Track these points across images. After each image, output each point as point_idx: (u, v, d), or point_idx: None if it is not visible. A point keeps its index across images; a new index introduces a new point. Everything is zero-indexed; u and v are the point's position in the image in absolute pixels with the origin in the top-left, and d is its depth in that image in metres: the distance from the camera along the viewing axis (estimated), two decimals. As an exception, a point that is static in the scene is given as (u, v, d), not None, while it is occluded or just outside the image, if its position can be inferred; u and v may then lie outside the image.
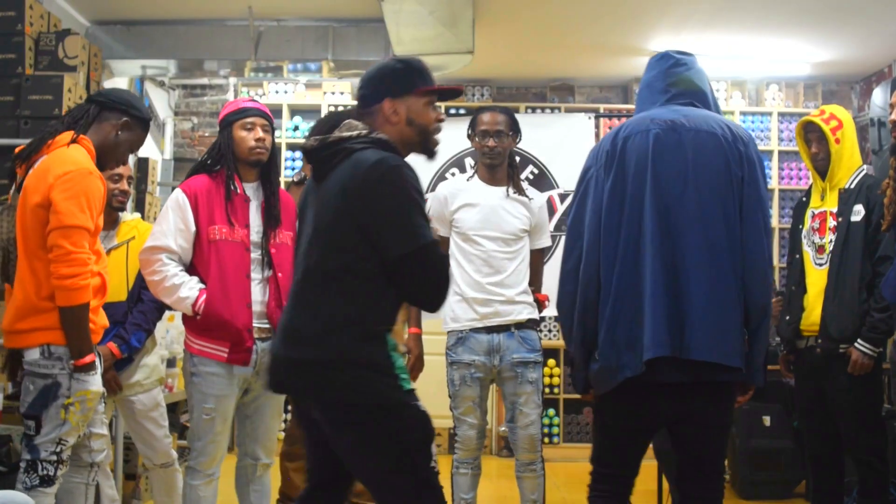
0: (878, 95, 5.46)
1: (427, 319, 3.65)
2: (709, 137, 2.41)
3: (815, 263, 3.57)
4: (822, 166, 3.58)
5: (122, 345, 3.41)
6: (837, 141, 3.51)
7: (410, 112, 2.31)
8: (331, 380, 2.18)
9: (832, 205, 3.55)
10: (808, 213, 3.66)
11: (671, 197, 2.38)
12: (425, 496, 2.20)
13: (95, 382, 2.74)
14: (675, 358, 2.32)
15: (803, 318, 3.57)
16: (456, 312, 3.47)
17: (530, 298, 3.55)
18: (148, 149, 6.07)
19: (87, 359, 2.67)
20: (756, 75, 6.93)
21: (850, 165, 3.53)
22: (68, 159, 2.69)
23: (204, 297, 2.97)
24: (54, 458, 2.68)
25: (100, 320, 2.84)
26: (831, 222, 3.53)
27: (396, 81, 2.31)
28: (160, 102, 6.95)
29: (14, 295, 2.76)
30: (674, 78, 2.53)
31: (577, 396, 3.39)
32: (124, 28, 5.77)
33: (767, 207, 2.48)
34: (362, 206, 2.17)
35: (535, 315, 3.56)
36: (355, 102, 2.44)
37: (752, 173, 2.42)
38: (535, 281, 3.62)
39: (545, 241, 3.69)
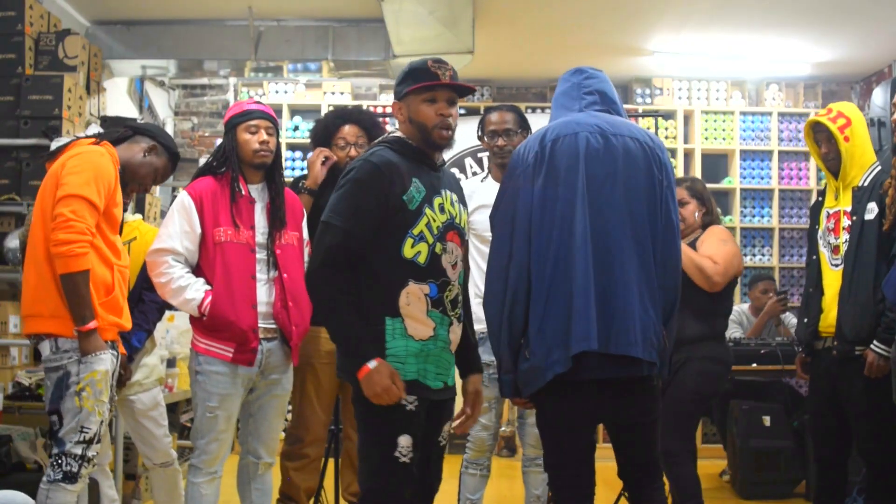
0: (878, 95, 5.45)
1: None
2: (633, 143, 2.51)
3: (831, 264, 3.48)
4: (834, 166, 3.48)
5: (122, 344, 3.42)
6: (847, 139, 3.42)
7: (410, 111, 2.51)
8: (340, 360, 2.47)
9: (846, 204, 3.45)
10: (823, 214, 3.56)
11: (602, 197, 2.45)
12: (379, 478, 2.41)
13: (101, 362, 2.78)
14: (602, 354, 2.36)
15: (821, 319, 3.47)
16: (478, 314, 3.45)
17: None
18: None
19: (91, 325, 2.73)
20: (756, 75, 6.93)
21: (862, 163, 3.42)
22: (83, 148, 2.87)
23: (209, 298, 2.99)
24: (79, 450, 2.74)
25: (109, 317, 2.85)
26: (845, 222, 3.43)
27: (398, 84, 2.54)
28: (160, 102, 6.95)
29: (29, 279, 2.84)
30: (589, 88, 2.68)
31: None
32: (124, 28, 5.78)
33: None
34: None
35: None
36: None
37: (668, 177, 2.54)
38: None
39: None
